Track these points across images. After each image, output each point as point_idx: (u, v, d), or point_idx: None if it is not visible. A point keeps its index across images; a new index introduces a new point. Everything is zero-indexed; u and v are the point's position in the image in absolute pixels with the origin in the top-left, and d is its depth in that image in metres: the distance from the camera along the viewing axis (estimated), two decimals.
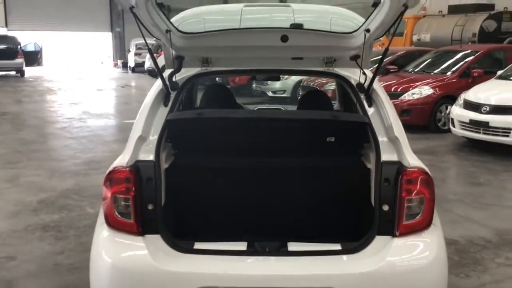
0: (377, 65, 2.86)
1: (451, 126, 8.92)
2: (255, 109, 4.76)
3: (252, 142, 2.87)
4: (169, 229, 2.60)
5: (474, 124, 8.24)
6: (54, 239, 4.75)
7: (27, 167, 7.47)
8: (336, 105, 4.61)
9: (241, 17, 3.16)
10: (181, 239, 2.61)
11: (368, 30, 2.75)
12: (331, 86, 10.85)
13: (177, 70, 2.91)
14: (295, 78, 13.76)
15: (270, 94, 14.53)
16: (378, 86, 2.89)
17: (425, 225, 2.50)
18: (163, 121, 2.74)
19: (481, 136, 8.22)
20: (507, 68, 9.42)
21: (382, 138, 2.68)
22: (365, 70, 2.89)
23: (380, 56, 2.90)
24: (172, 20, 2.88)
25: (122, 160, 2.59)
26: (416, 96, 10.09)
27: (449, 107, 9.61)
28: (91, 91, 18.82)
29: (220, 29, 2.95)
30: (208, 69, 3.05)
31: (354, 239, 2.55)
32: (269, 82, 14.06)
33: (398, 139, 2.62)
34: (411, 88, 10.25)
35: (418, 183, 2.47)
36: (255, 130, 2.84)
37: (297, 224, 2.97)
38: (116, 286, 2.45)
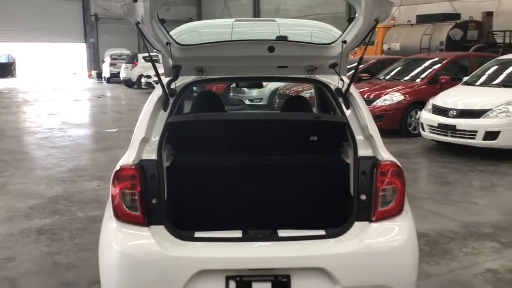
0: (353, 71, 3.23)
1: (421, 130, 9.35)
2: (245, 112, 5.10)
3: (244, 142, 3.19)
4: (171, 220, 2.89)
5: (442, 128, 8.68)
6: (50, 241, 4.97)
7: (13, 176, 7.63)
8: (314, 109, 4.98)
9: (232, 30, 3.53)
10: (183, 229, 2.90)
11: (344, 42, 3.13)
12: (306, 94, 11.26)
13: (175, 78, 3.20)
14: (271, 87, 14.15)
15: (247, 102, 14.88)
16: (354, 90, 3.25)
17: (397, 211, 2.84)
18: (163, 124, 3.04)
19: (449, 139, 8.67)
20: (472, 74, 9.93)
21: (358, 136, 3.02)
22: (343, 77, 3.25)
23: (356, 63, 3.27)
24: (171, 33, 3.21)
25: (128, 159, 2.87)
26: (387, 102, 10.55)
27: (418, 112, 10.03)
28: (68, 102, 18.89)
29: (214, 41, 3.28)
30: (203, 77, 3.37)
31: (336, 226, 2.89)
32: (246, 90, 14.44)
33: (372, 136, 2.97)
34: (383, 95, 10.70)
35: (391, 174, 2.82)
36: (246, 131, 3.16)
37: (286, 214, 3.29)
38: (125, 270, 2.71)
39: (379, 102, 10.59)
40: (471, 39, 16.84)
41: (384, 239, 2.80)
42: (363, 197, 2.82)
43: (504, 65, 9.75)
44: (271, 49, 3.15)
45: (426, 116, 9.12)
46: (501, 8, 17.86)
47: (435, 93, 9.71)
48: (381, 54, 18.46)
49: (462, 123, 8.42)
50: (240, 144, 3.18)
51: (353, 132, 3.03)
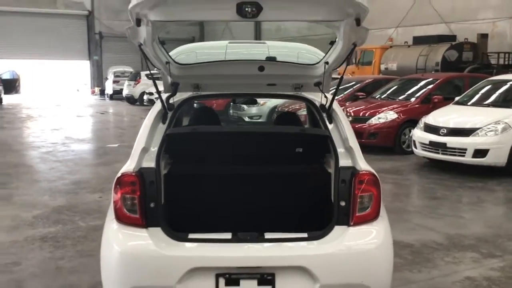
0: (335, 88, 3.55)
1: (413, 148, 9.61)
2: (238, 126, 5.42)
3: (236, 153, 3.49)
4: (167, 223, 3.15)
5: (434, 146, 8.93)
6: (53, 247, 5.23)
7: (19, 188, 7.92)
8: (307, 125, 5.29)
9: (226, 51, 3.87)
10: (178, 231, 3.17)
11: (327, 63, 3.45)
12: (303, 111, 11.57)
13: (173, 94, 3.51)
14: (270, 104, 14.45)
15: (246, 119, 15.18)
16: (337, 106, 3.55)
17: (373, 216, 3.12)
18: (162, 135, 3.34)
19: (440, 156, 8.93)
20: (463, 94, 10.25)
21: (340, 149, 3.31)
22: (326, 94, 3.57)
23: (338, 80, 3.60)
24: (171, 53, 3.54)
25: (129, 167, 3.16)
26: (382, 121, 10.83)
27: (412, 130, 10.30)
28: (71, 118, 19.23)
29: (209, 61, 3.62)
30: (199, 93, 3.69)
31: (318, 229, 3.16)
32: (245, 107, 14.76)
33: (352, 148, 3.26)
34: (377, 113, 10.98)
35: (367, 183, 3.10)
36: (238, 143, 3.46)
37: (273, 218, 3.57)
38: (125, 268, 2.98)
39: (373, 120, 10.88)
40: (466, 60, 17.21)
41: (361, 242, 3.06)
42: (343, 203, 3.09)
43: (494, 86, 10.08)
44: (261, 69, 3.48)
45: (418, 134, 9.38)
46: (496, 30, 18.32)
47: (428, 112, 9.95)
48: (379, 74, 18.80)
49: (452, 141, 8.67)
50: (232, 154, 3.47)
51: (335, 144, 3.32)
